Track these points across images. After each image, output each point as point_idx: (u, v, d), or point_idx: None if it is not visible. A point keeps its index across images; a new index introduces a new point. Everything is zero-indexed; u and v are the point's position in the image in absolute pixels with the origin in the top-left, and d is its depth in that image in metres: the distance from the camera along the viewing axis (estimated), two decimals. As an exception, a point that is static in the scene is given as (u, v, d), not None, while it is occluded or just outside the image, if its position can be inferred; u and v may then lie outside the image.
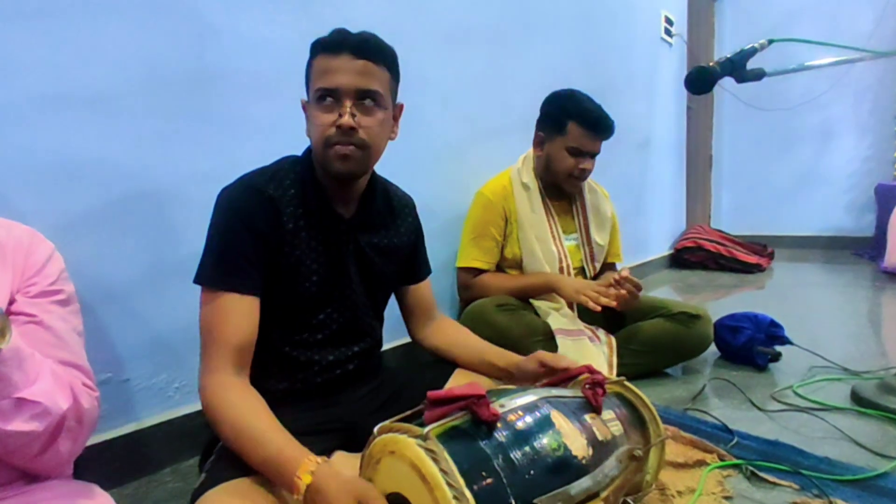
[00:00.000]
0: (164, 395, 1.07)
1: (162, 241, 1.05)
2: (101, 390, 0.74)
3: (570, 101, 1.53)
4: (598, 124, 1.50)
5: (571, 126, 1.50)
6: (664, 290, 2.83)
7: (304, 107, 0.88)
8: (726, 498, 0.88)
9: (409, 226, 1.07)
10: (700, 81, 1.01)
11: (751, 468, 0.96)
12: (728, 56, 1.01)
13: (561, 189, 1.63)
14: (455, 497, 0.53)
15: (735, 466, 0.97)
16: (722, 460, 0.99)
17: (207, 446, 0.85)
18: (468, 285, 1.60)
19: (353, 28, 0.86)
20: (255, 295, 0.81)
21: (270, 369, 0.86)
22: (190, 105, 1.08)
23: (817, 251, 3.91)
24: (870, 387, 1.28)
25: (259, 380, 0.80)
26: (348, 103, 0.80)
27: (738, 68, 1.00)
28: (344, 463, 0.84)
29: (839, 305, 2.38)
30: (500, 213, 1.58)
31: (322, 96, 0.81)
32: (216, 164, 1.12)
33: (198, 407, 1.10)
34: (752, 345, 1.51)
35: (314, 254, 0.87)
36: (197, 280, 0.80)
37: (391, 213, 1.02)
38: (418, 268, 1.10)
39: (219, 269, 0.80)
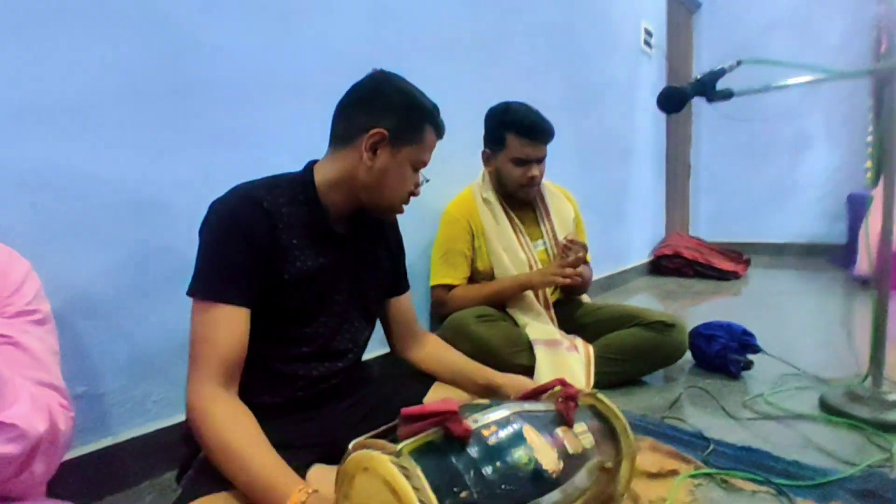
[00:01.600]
0: (142, 408, 1.06)
1: (140, 253, 1.05)
2: (76, 404, 0.75)
3: (504, 114, 1.55)
4: (533, 130, 1.52)
5: (510, 138, 1.53)
6: (643, 297, 2.88)
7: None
8: (696, 507, 0.91)
9: (393, 239, 1.10)
10: (671, 101, 1.04)
11: (724, 476, 0.99)
12: (698, 77, 1.04)
13: (522, 199, 1.66)
14: (427, 513, 0.54)
15: (708, 475, 1.00)
16: (697, 470, 1.01)
17: (185, 460, 0.85)
18: (442, 301, 1.62)
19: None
20: (248, 307, 0.81)
21: (254, 383, 0.86)
22: (169, 116, 1.08)
23: (792, 258, 4.00)
24: (837, 395, 1.32)
25: (242, 393, 0.80)
26: None
27: (707, 89, 1.03)
28: (321, 476, 0.85)
29: (811, 312, 2.44)
30: (465, 228, 1.61)
31: None
32: (196, 175, 1.12)
33: (175, 420, 1.10)
34: (726, 353, 1.55)
35: (308, 268, 0.88)
36: (191, 292, 0.80)
37: (379, 229, 1.04)
38: (400, 280, 1.12)
39: (213, 281, 0.79)
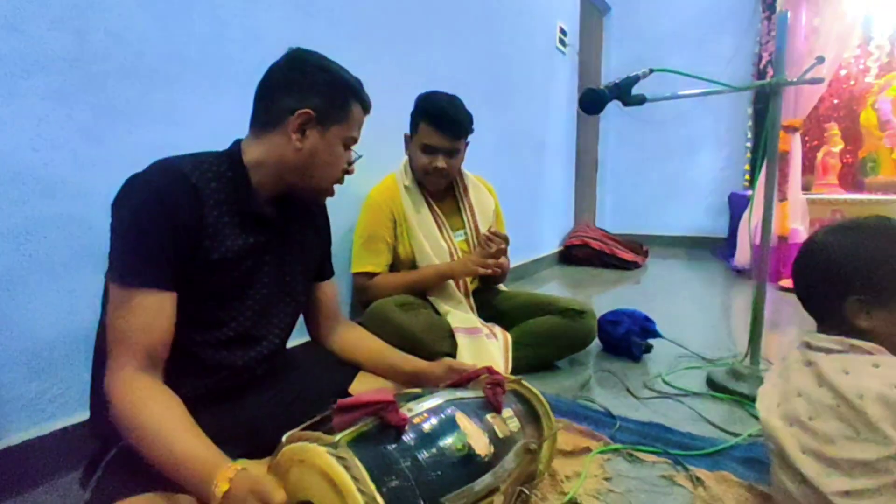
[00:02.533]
0: (36, 407, 0.96)
1: (36, 235, 0.95)
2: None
3: (424, 101, 1.57)
4: (441, 120, 1.52)
5: (422, 125, 1.55)
6: (554, 286, 3.03)
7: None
8: (606, 479, 0.99)
9: (322, 223, 1.08)
10: (592, 103, 1.10)
11: (628, 451, 1.08)
12: (616, 82, 1.11)
13: (444, 189, 1.68)
14: (366, 502, 0.55)
15: (615, 451, 1.09)
16: (605, 446, 1.10)
17: (92, 460, 0.79)
18: (363, 289, 1.61)
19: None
20: (171, 290, 0.76)
21: (175, 370, 0.80)
22: (69, 88, 0.98)
23: (682, 250, 4.39)
24: (721, 373, 1.48)
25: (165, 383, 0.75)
26: None
27: (623, 93, 1.10)
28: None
29: (698, 300, 2.71)
30: (388, 214, 1.61)
31: None
32: (100, 151, 1.03)
33: (76, 419, 1.01)
34: (629, 338, 1.68)
35: (234, 249, 0.84)
36: (111, 277, 0.74)
37: (307, 212, 1.02)
38: (326, 265, 1.10)
39: (135, 264, 0.74)
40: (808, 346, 0.84)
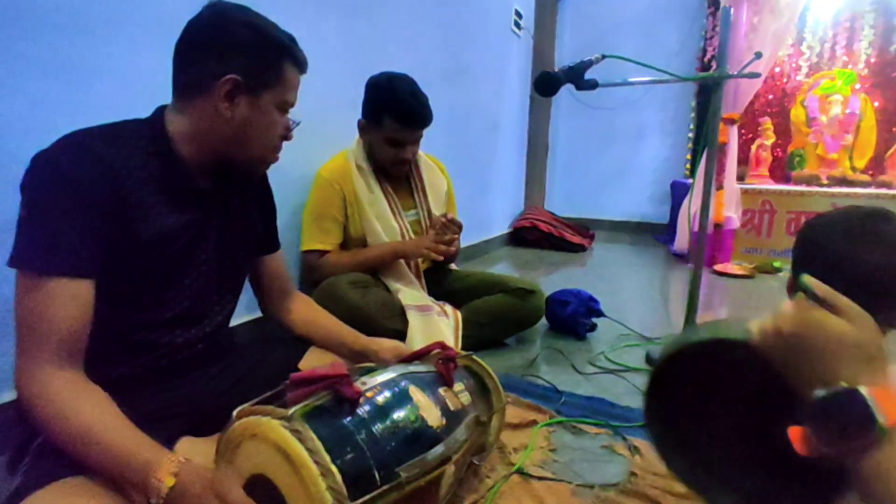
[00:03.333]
0: (-44, 388, 0.90)
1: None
2: None
3: (386, 92, 1.51)
4: (411, 117, 1.51)
5: (387, 119, 1.51)
6: (503, 266, 3.09)
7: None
8: (552, 450, 1.04)
9: (263, 194, 1.03)
10: (546, 85, 1.12)
11: (572, 423, 1.13)
12: (570, 65, 1.13)
13: (393, 175, 1.67)
14: (321, 473, 0.55)
15: (560, 423, 1.14)
16: (551, 419, 1.14)
17: (20, 444, 0.74)
18: (314, 267, 1.58)
19: None
20: (88, 278, 0.70)
21: (108, 354, 0.76)
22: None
23: (626, 234, 4.56)
24: (659, 350, 1.56)
25: (90, 367, 0.71)
26: None
27: (577, 77, 1.13)
28: (191, 449, 0.80)
29: (640, 282, 2.83)
30: (338, 193, 1.58)
31: None
32: (37, 114, 0.95)
33: (1, 400, 0.95)
34: (576, 317, 1.74)
35: (167, 228, 0.79)
36: (14, 263, 0.67)
37: (247, 183, 0.96)
38: (272, 238, 1.07)
39: (43, 250, 0.67)
40: None
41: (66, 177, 0.68)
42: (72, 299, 0.68)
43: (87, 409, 0.65)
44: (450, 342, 1.48)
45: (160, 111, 0.82)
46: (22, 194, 0.69)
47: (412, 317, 1.49)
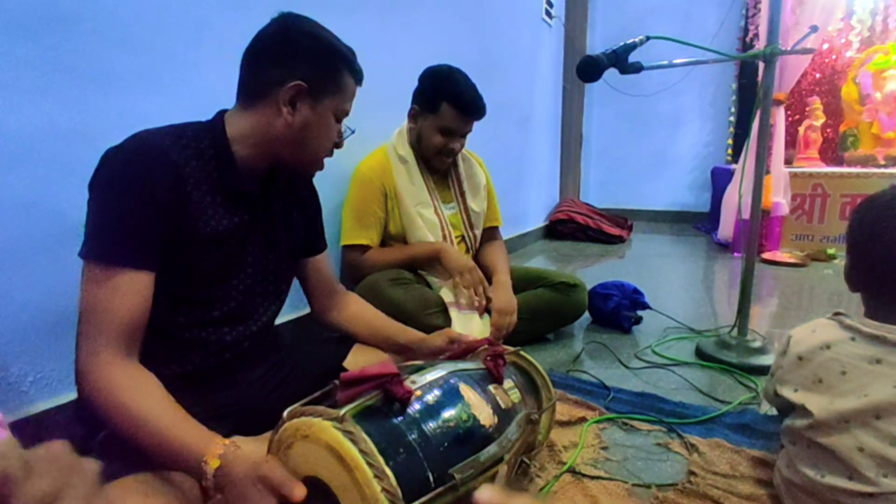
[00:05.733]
0: (17, 389, 0.93)
1: (8, 209, 0.90)
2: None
3: (446, 81, 1.53)
4: (470, 107, 1.52)
5: (445, 107, 1.51)
6: (540, 260, 3.04)
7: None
8: (603, 448, 1.00)
9: (308, 197, 1.04)
10: (590, 70, 1.08)
11: (623, 420, 1.09)
12: (613, 49, 1.08)
13: (435, 166, 1.65)
14: (376, 476, 0.54)
15: (611, 420, 1.10)
16: (601, 416, 1.11)
17: (81, 442, 0.76)
18: (355, 264, 1.58)
19: None
20: (150, 270, 0.73)
21: (159, 352, 0.78)
22: (39, 51, 0.91)
23: (665, 224, 4.43)
24: (709, 343, 1.50)
25: (144, 364, 0.73)
26: None
27: (621, 60, 1.08)
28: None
29: (683, 272, 2.74)
30: (379, 188, 1.57)
31: None
32: (76, 120, 0.97)
33: (59, 401, 0.98)
34: (620, 310, 1.69)
35: (218, 227, 0.81)
36: (84, 254, 0.71)
37: (291, 187, 0.98)
38: (317, 239, 1.07)
39: (110, 242, 0.71)
40: (877, 339, 0.73)
41: (135, 173, 0.72)
42: (135, 290, 0.71)
43: (143, 398, 0.67)
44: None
45: (221, 115, 0.85)
46: (91, 190, 0.73)
47: (454, 314, 1.47)
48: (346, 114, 0.90)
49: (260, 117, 0.83)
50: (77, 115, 0.97)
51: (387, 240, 1.63)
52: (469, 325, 1.46)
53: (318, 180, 1.05)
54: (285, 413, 0.64)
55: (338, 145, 0.92)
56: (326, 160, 0.93)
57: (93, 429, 0.75)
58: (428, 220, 1.60)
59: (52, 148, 0.94)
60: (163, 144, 0.75)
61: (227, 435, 0.82)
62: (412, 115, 1.60)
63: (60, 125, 0.95)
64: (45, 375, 0.97)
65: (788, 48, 1.41)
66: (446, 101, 1.51)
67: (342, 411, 0.58)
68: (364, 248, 1.57)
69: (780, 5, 1.25)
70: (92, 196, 0.73)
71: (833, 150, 3.43)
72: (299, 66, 0.81)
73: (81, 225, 0.73)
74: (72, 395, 0.97)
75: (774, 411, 1.11)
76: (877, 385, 0.70)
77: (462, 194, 1.71)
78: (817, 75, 3.61)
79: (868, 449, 0.68)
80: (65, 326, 0.97)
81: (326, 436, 0.57)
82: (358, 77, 0.90)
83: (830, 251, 2.86)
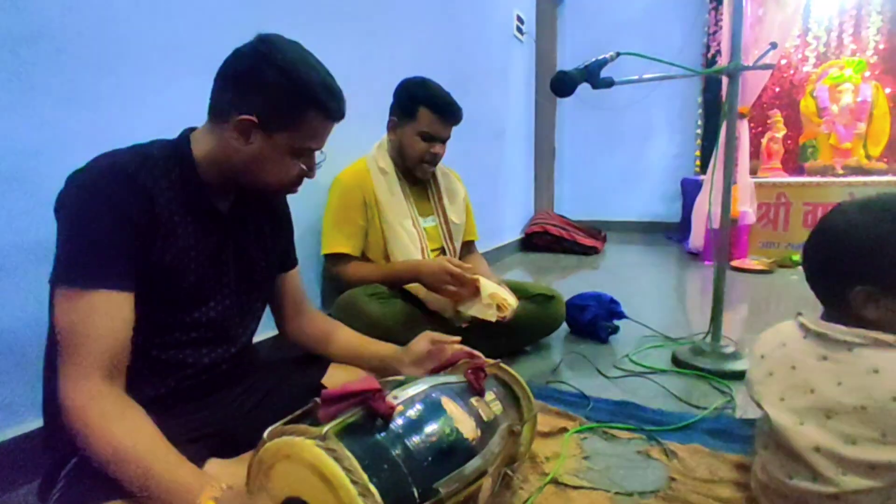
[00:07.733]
0: (-19, 417, 0.89)
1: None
2: None
3: (420, 87, 1.57)
4: (447, 110, 1.55)
5: (422, 112, 1.54)
6: (517, 272, 3.06)
7: None
8: (585, 458, 1.01)
9: (281, 213, 1.03)
10: (563, 85, 1.10)
11: (604, 429, 1.10)
12: (585, 65, 1.11)
13: (418, 176, 1.66)
14: (360, 493, 0.53)
15: (591, 429, 1.11)
16: (582, 426, 1.11)
17: (50, 470, 0.74)
18: (336, 275, 1.57)
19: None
20: (128, 291, 0.71)
21: (133, 372, 0.75)
22: (5, 69, 0.90)
23: (638, 234, 4.52)
24: (685, 350, 1.53)
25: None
26: None
27: (593, 76, 1.11)
28: (220, 471, 0.78)
29: (657, 282, 2.80)
30: (359, 197, 1.57)
31: None
32: (44, 138, 0.95)
33: (27, 428, 0.94)
34: (597, 321, 1.71)
35: (191, 249, 0.79)
36: (59, 279, 0.68)
37: (264, 203, 0.96)
38: (288, 256, 1.06)
39: (84, 264, 0.68)
40: (822, 336, 0.75)
41: (105, 194, 0.70)
42: (114, 312, 0.69)
43: (129, 428, 0.65)
44: (511, 304, 1.45)
45: (186, 134, 0.83)
46: (58, 213, 0.71)
47: (483, 282, 1.44)
48: (309, 150, 0.86)
49: (220, 139, 0.80)
50: (43, 133, 0.95)
51: (367, 251, 1.62)
52: (500, 289, 1.45)
53: (294, 195, 1.04)
54: (266, 433, 0.63)
55: (308, 176, 0.88)
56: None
57: (63, 456, 0.73)
58: (409, 231, 1.60)
59: (13, 166, 0.92)
60: (130, 166, 0.73)
61: (205, 457, 0.81)
62: (391, 127, 1.61)
63: (27, 143, 0.93)
64: (13, 402, 0.94)
65: (750, 64, 1.46)
66: (423, 105, 1.53)
67: (324, 429, 0.58)
68: (345, 258, 1.56)
69: (742, 23, 1.30)
70: (60, 219, 0.71)
71: (794, 160, 3.57)
72: (256, 99, 0.77)
73: (46, 247, 0.71)
74: (39, 423, 0.93)
75: (749, 415, 1.14)
76: (822, 380, 0.73)
77: (442, 206, 1.72)
78: (777, 89, 3.76)
79: (824, 449, 0.70)
80: (21, 350, 0.94)
81: (309, 454, 0.56)
82: (330, 113, 0.83)
83: (795, 257, 2.96)
